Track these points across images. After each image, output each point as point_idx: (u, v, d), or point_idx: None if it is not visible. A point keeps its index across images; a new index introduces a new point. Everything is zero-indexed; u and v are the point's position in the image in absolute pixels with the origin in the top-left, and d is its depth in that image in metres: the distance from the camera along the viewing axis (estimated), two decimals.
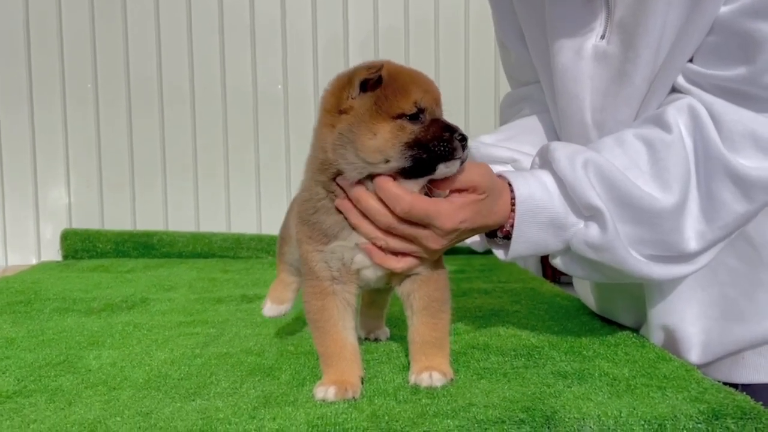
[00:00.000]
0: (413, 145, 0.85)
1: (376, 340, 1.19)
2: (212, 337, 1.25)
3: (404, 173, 0.87)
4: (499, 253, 1.02)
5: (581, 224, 0.97)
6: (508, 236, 0.98)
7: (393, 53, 2.40)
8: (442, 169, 0.87)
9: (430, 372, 0.92)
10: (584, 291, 1.38)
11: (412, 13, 2.43)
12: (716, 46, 0.98)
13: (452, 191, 0.91)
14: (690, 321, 1.07)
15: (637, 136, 1.00)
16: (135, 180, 2.40)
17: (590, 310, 1.36)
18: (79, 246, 2.30)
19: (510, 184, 0.97)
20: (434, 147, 0.85)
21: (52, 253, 2.36)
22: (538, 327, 1.24)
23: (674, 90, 1.03)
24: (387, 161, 0.86)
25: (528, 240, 0.97)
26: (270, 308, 1.12)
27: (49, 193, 2.39)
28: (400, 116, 0.85)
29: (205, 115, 2.40)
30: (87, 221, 2.39)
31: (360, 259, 0.93)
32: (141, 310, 1.50)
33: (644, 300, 1.13)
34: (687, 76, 1.01)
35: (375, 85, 0.86)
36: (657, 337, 1.12)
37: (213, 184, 2.42)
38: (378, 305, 1.20)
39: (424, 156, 0.85)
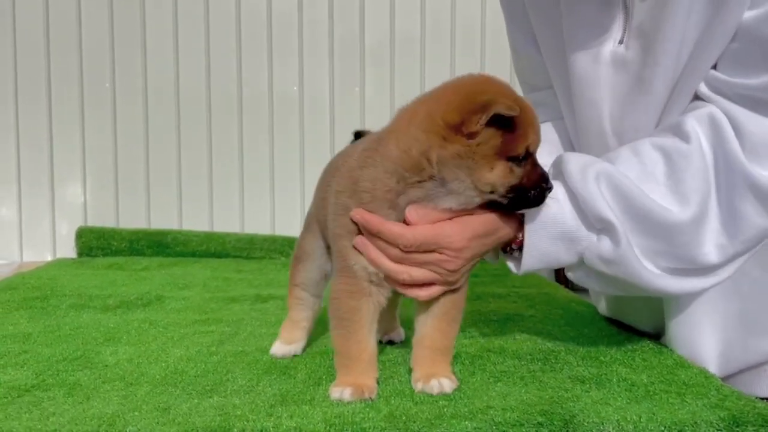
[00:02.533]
0: (517, 187, 0.87)
1: (390, 342, 1.19)
2: (227, 335, 1.25)
3: (493, 206, 0.90)
4: (511, 266, 1.01)
5: (594, 238, 0.95)
6: (522, 247, 0.97)
7: (408, 58, 2.41)
8: (529, 211, 0.92)
9: (439, 379, 0.92)
10: (599, 297, 1.37)
11: (428, 17, 2.43)
12: (739, 53, 0.95)
13: None
14: (709, 333, 1.05)
15: (654, 146, 0.98)
16: (150, 179, 2.42)
17: (606, 315, 1.36)
18: (94, 243, 2.31)
19: None
20: (531, 194, 0.88)
21: (67, 250, 2.37)
22: (554, 332, 1.24)
23: (696, 98, 1.01)
24: (492, 193, 0.88)
25: (539, 253, 0.96)
26: (277, 347, 1.11)
27: (65, 190, 2.41)
28: (513, 158, 0.86)
29: (221, 115, 2.42)
30: (102, 219, 2.40)
31: None
32: (156, 307, 1.51)
33: (662, 308, 1.12)
34: (709, 84, 0.99)
35: (504, 122, 0.85)
36: (676, 349, 1.10)
37: (227, 184, 2.43)
38: (391, 306, 1.19)
39: (519, 200, 0.89)
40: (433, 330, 0.95)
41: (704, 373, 0.99)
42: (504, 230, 0.94)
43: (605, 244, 0.94)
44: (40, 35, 2.36)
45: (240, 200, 2.43)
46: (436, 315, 0.95)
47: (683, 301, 1.06)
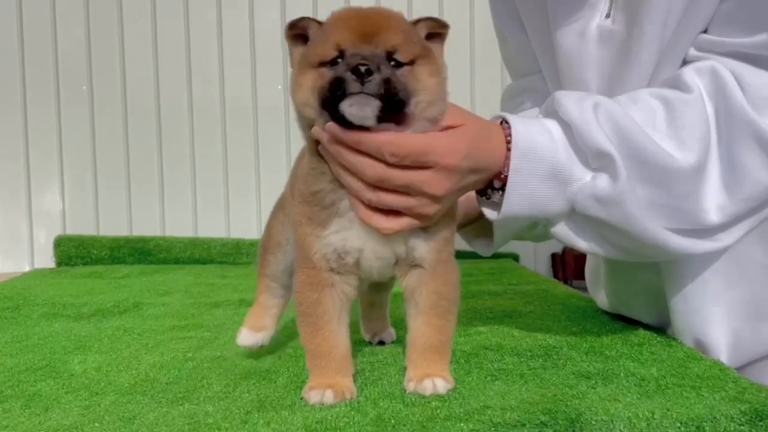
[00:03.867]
0: (320, 90, 0.76)
1: (381, 342, 1.12)
2: (206, 340, 1.17)
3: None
4: (491, 214, 0.90)
5: (588, 176, 0.86)
6: (504, 187, 0.86)
7: None
8: (348, 110, 0.74)
9: (433, 379, 0.83)
10: (599, 291, 1.30)
11: (416, 13, 2.37)
12: (732, 12, 0.91)
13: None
14: (717, 323, 0.98)
15: (653, 94, 0.92)
16: (131, 184, 2.33)
17: (606, 310, 1.28)
18: (73, 252, 2.22)
19: (505, 121, 0.87)
20: (330, 87, 0.75)
21: (46, 259, 2.28)
22: (555, 327, 1.16)
23: (686, 63, 0.97)
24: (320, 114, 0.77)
25: (526, 193, 0.85)
26: (245, 336, 1.02)
27: (42, 198, 2.32)
28: (322, 64, 0.77)
29: (203, 118, 2.34)
30: (81, 227, 2.31)
31: (359, 244, 0.83)
32: (133, 314, 1.43)
33: (665, 299, 1.06)
34: (700, 47, 0.94)
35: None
36: (684, 341, 1.04)
37: (211, 189, 2.35)
38: (379, 305, 1.12)
39: (326, 98, 0.76)
40: (424, 326, 0.86)
41: (718, 365, 0.91)
42: (492, 158, 0.85)
43: (602, 182, 0.85)
44: (15, 38, 2.29)
45: (225, 205, 2.36)
46: (425, 309, 0.86)
47: (686, 293, 1.00)
